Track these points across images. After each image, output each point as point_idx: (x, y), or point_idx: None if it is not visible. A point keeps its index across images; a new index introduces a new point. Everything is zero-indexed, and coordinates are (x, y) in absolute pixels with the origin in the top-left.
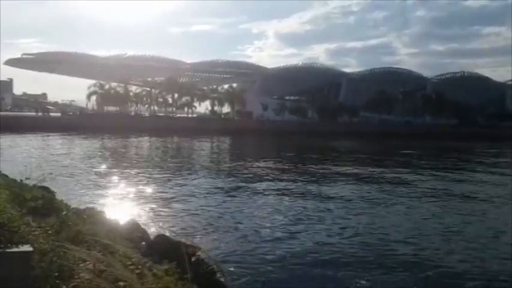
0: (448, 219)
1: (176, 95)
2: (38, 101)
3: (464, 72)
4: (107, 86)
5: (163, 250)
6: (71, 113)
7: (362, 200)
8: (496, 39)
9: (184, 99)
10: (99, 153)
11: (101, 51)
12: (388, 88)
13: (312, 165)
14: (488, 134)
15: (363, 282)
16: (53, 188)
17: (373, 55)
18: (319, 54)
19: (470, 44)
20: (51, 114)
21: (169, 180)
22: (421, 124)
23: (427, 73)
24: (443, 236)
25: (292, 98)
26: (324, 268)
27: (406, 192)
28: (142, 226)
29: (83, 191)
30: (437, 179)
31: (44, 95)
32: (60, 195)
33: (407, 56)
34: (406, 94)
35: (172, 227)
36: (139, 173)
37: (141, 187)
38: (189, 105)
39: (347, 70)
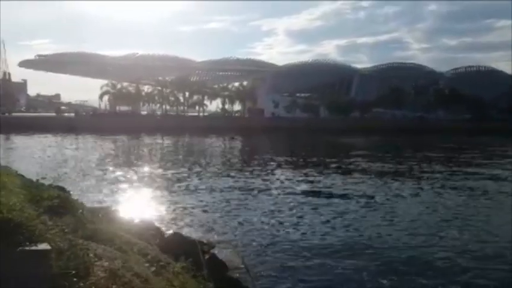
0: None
1: (187, 94)
2: (51, 102)
3: (477, 66)
4: (118, 86)
5: (178, 248)
6: (84, 113)
7: (379, 197)
8: (509, 33)
9: (195, 97)
10: (112, 153)
11: (112, 51)
12: (400, 84)
13: (320, 163)
14: (502, 128)
15: (384, 281)
16: (68, 188)
17: (384, 51)
18: (329, 50)
19: (483, 38)
20: (66, 114)
21: (181, 178)
22: (434, 119)
23: (439, 68)
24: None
25: (303, 95)
26: (342, 264)
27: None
28: (157, 224)
29: (97, 190)
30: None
31: (58, 96)
32: (75, 195)
33: (419, 51)
34: (419, 89)
35: (186, 225)
36: (152, 172)
37: (154, 186)
38: (200, 103)
39: (358, 66)
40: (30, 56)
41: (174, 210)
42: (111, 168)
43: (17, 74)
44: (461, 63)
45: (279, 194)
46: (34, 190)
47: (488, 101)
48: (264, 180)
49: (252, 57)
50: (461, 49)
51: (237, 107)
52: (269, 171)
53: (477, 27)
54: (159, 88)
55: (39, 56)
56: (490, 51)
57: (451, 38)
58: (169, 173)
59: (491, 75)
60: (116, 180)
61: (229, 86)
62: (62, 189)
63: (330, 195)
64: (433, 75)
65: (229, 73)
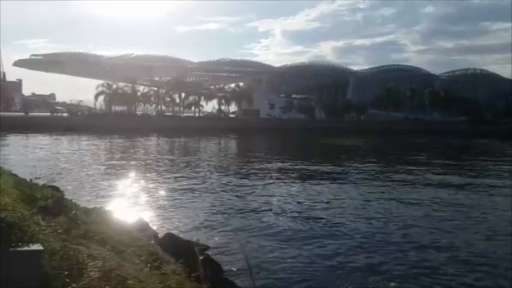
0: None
1: (183, 94)
2: (46, 102)
3: (473, 69)
4: (114, 86)
5: (172, 249)
6: (79, 113)
7: (374, 197)
8: (505, 35)
9: (191, 98)
10: (107, 153)
11: (108, 51)
12: (396, 85)
13: (314, 163)
14: (497, 130)
15: (392, 283)
16: (62, 188)
17: (380, 53)
18: (326, 52)
19: (479, 41)
20: (64, 114)
21: (177, 180)
22: (430, 121)
23: (435, 70)
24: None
25: (299, 96)
26: (341, 262)
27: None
28: (151, 225)
29: (91, 191)
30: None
31: (53, 95)
32: (69, 195)
33: (415, 53)
34: (414, 91)
35: (181, 226)
36: (146, 173)
37: (149, 187)
38: (196, 104)
39: (354, 68)
40: (26, 55)
41: (169, 211)
42: (105, 169)
43: (12, 73)
44: (457, 65)
45: (274, 195)
46: (27, 190)
47: (483, 103)
48: (259, 181)
49: (249, 58)
50: (458, 51)
51: (233, 108)
52: (264, 172)
53: (473, 30)
54: (155, 88)
55: (35, 55)
56: (486, 53)
57: (447, 40)
58: (164, 173)
59: (487, 78)
60: (111, 181)
61: (226, 87)
62: (56, 189)
63: (326, 194)
64: (429, 78)
65: (226, 74)
